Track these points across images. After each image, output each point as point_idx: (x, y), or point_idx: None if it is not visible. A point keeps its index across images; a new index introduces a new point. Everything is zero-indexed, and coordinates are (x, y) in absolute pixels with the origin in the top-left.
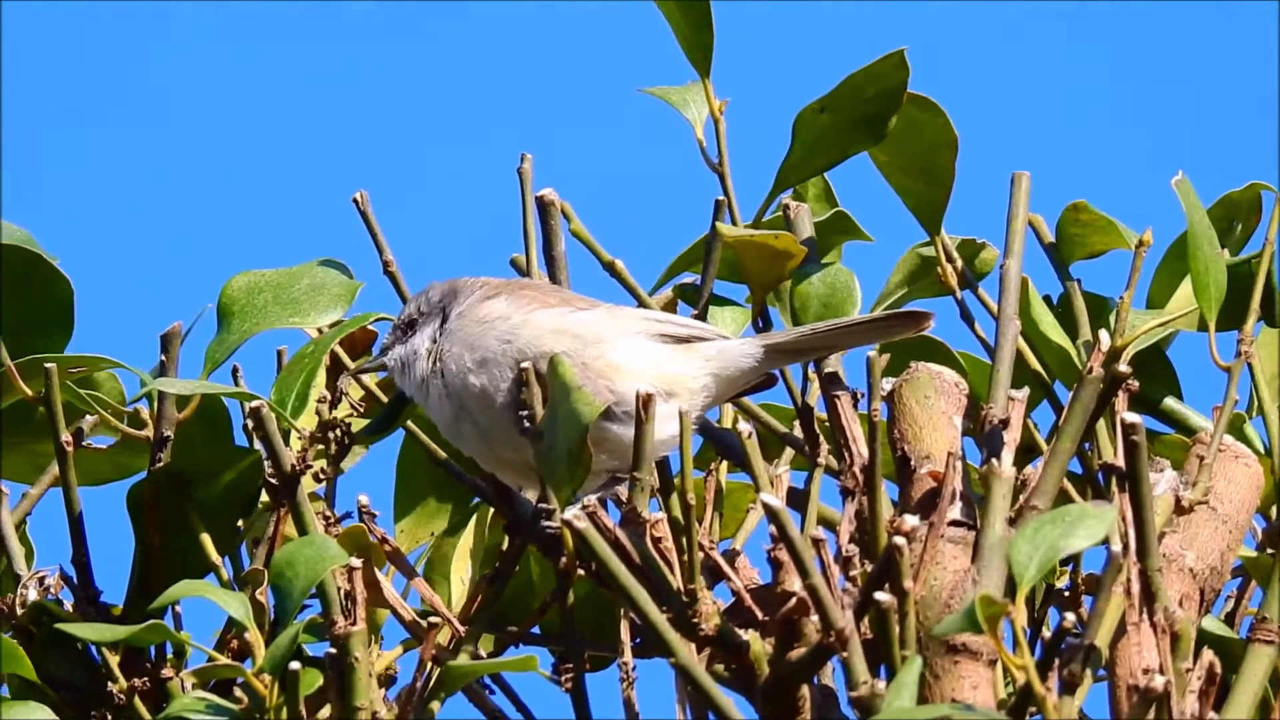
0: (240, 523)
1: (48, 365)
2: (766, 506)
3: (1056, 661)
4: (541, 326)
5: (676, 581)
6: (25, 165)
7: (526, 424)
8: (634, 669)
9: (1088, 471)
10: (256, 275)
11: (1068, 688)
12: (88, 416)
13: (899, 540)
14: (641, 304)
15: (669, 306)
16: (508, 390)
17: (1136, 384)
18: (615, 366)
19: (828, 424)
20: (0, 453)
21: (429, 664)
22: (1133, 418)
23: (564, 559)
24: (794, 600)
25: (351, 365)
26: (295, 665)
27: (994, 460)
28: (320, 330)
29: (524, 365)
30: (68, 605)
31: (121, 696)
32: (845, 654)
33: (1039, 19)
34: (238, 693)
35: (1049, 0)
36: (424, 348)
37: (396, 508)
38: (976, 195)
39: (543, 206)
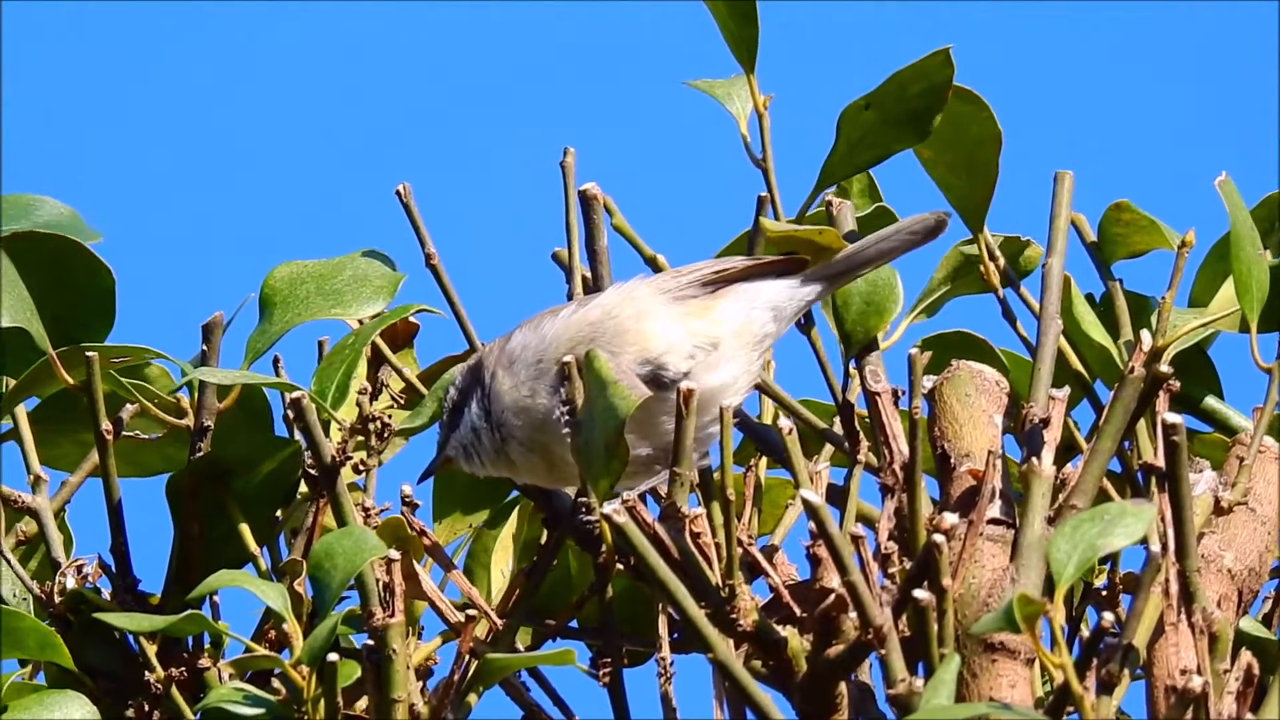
0: (279, 513)
1: (89, 354)
2: (806, 503)
3: (1094, 661)
4: (557, 326)
5: (715, 577)
6: (70, 154)
7: (567, 417)
8: (672, 664)
9: (1127, 471)
10: (299, 266)
11: (1105, 687)
12: (128, 405)
13: (938, 538)
14: None
15: None
16: (558, 406)
17: (1178, 384)
18: (643, 334)
19: (868, 421)
20: (44, 439)
21: (466, 657)
22: (1173, 418)
23: (603, 553)
24: (832, 597)
25: (393, 359)
26: (333, 657)
27: (1034, 459)
28: (362, 321)
29: (565, 359)
30: (106, 594)
31: (159, 686)
32: (883, 651)
33: (1085, 16)
34: (275, 683)
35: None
36: (478, 418)
37: (435, 500)
38: (1019, 193)
39: (585, 201)
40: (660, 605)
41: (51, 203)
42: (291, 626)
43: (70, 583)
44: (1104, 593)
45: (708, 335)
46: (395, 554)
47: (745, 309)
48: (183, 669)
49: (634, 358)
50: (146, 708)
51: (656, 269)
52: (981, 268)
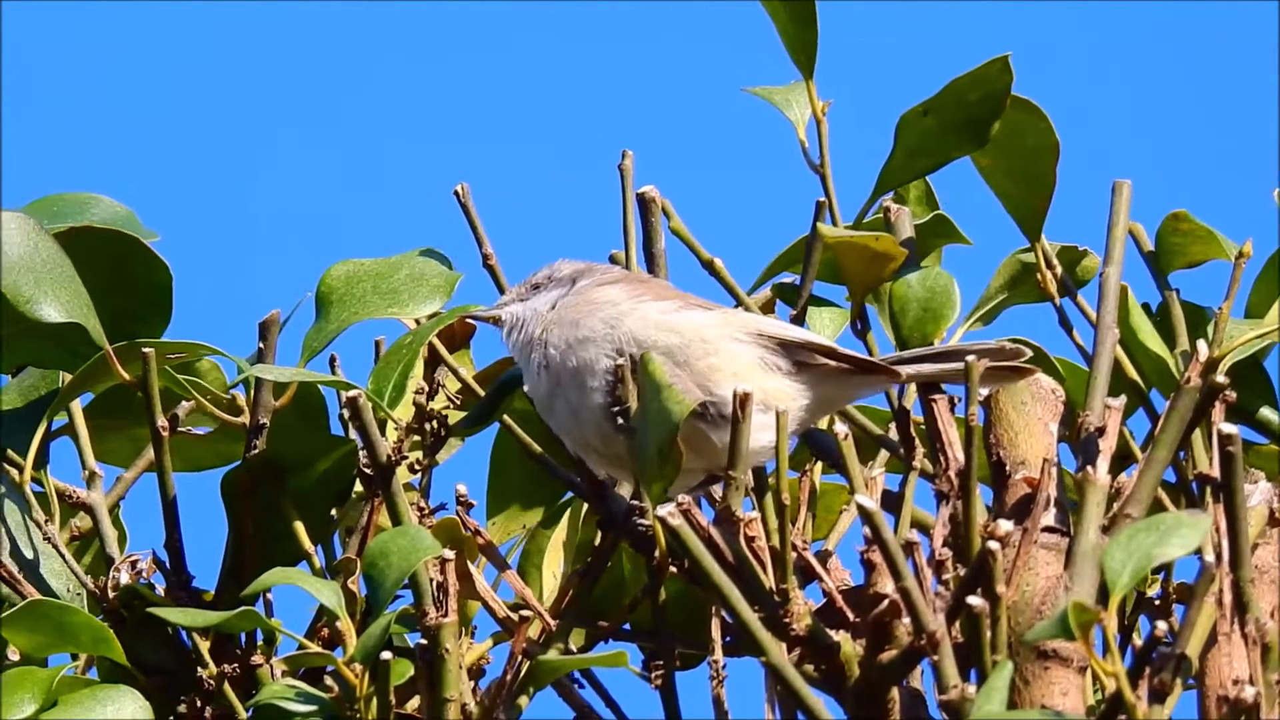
0: (334, 512)
1: (145, 350)
2: (861, 508)
3: (1147, 670)
4: (647, 318)
5: (769, 581)
6: (130, 151)
7: (620, 420)
8: (724, 667)
9: (1182, 481)
10: (356, 265)
11: (1157, 696)
12: (183, 402)
13: (993, 545)
14: (740, 303)
15: (767, 306)
16: (601, 375)
17: (1234, 395)
18: (716, 369)
19: (924, 428)
20: (99, 435)
21: (519, 657)
22: (1229, 428)
23: (657, 555)
24: (886, 602)
25: (450, 359)
26: (386, 655)
27: (1089, 467)
28: (418, 321)
29: (620, 361)
30: (159, 589)
31: (211, 682)
32: (936, 657)
33: (1146, 24)
34: (328, 681)
35: (1155, 1)
36: (543, 312)
37: (490, 500)
38: (1077, 202)
39: (643, 203)
40: (713, 608)
41: (107, 201)
42: (345, 624)
43: (124, 578)
44: (1157, 602)
45: (772, 403)
46: (449, 553)
47: (808, 393)
48: (235, 665)
49: (698, 389)
50: (199, 704)
51: (713, 272)
52: (1039, 276)
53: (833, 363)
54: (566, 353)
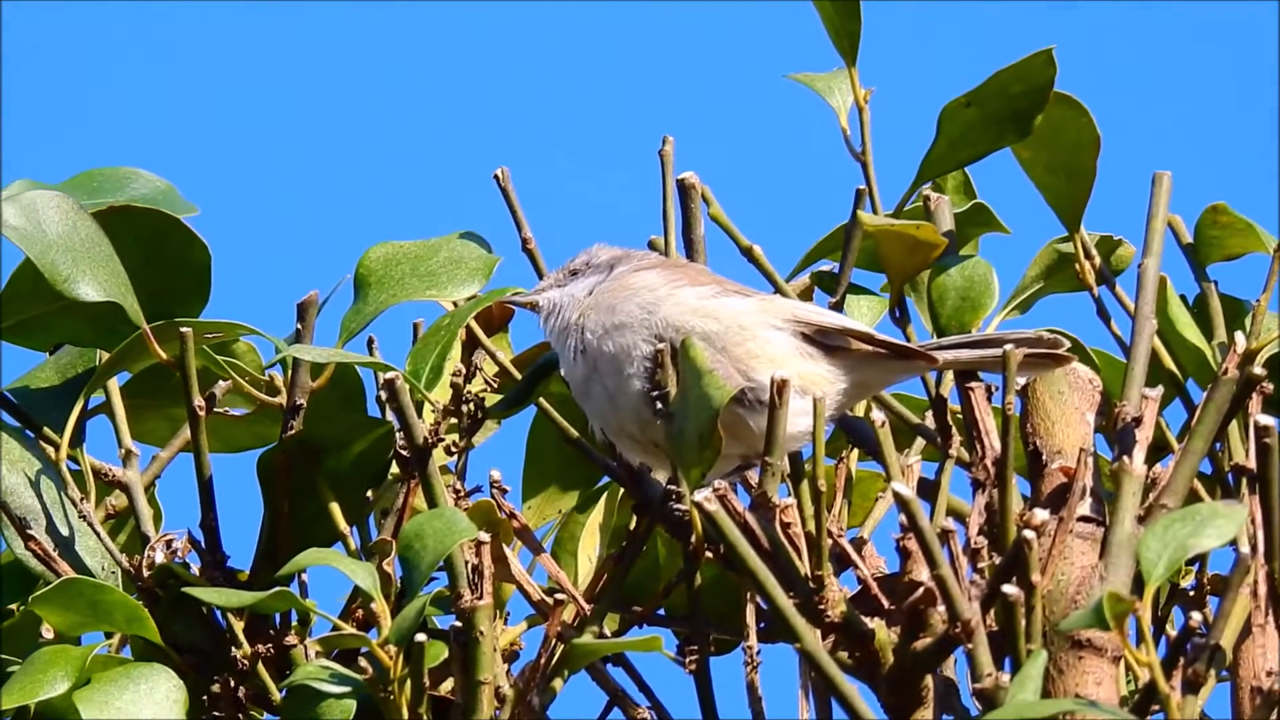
0: (370, 493)
1: (183, 330)
2: (897, 495)
3: (1181, 661)
4: (685, 304)
5: (804, 567)
6: (168, 131)
7: (659, 405)
8: (758, 653)
9: (1218, 472)
10: (394, 246)
11: (1191, 687)
12: (220, 382)
13: (1028, 534)
14: (778, 290)
15: (805, 294)
16: (639, 361)
17: (1270, 386)
18: (754, 355)
19: (960, 416)
20: (136, 414)
21: (553, 641)
22: (1266, 420)
23: (692, 541)
24: (921, 590)
25: (488, 342)
26: (421, 637)
27: (1125, 457)
28: (457, 304)
29: (660, 346)
30: (194, 569)
31: (245, 662)
32: (970, 645)
33: (1187, 18)
34: (362, 663)
35: (1193, 1)
36: (580, 298)
37: (525, 484)
38: (1116, 192)
39: (683, 190)
40: (748, 594)
41: (146, 175)
42: (380, 606)
43: (159, 557)
44: (1191, 593)
45: (810, 388)
46: (485, 536)
47: (845, 378)
48: (269, 646)
49: (737, 374)
50: (232, 683)
51: (752, 259)
52: (1077, 266)
53: (869, 347)
54: (603, 338)
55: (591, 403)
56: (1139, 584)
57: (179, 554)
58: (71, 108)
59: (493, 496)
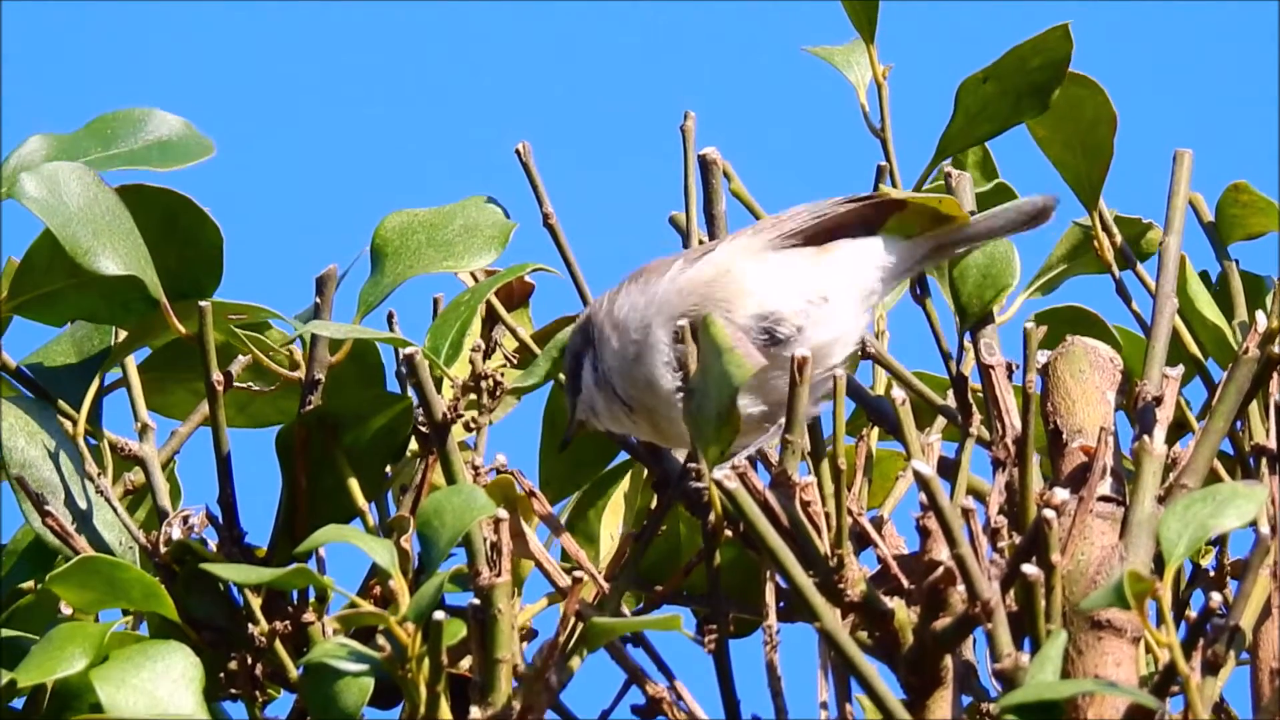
0: (388, 469)
1: (202, 305)
2: (918, 474)
3: (1201, 642)
4: (667, 296)
5: (824, 546)
6: (182, 104)
7: (680, 381)
8: (778, 633)
9: (1239, 452)
10: (410, 215)
11: (1211, 668)
12: (239, 357)
13: (1048, 513)
14: None
15: None
16: (668, 375)
17: None
18: (747, 293)
19: (981, 394)
20: (155, 387)
21: (572, 619)
22: None
23: (712, 519)
24: (941, 569)
25: (508, 318)
26: (439, 615)
27: (1146, 437)
28: (475, 276)
29: (680, 323)
30: (212, 545)
31: (262, 639)
32: (990, 625)
33: None
34: (380, 640)
35: None
36: (592, 379)
37: (543, 461)
38: (1138, 171)
39: (704, 165)
40: (768, 573)
41: (161, 114)
42: (398, 583)
43: (176, 533)
44: (1211, 574)
45: (818, 290)
46: (504, 513)
47: (853, 265)
48: (287, 623)
49: (748, 315)
50: (249, 660)
51: None
52: (1095, 243)
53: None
54: (629, 374)
55: (677, 437)
56: (1159, 564)
57: (196, 530)
58: (81, 70)
59: (512, 473)
